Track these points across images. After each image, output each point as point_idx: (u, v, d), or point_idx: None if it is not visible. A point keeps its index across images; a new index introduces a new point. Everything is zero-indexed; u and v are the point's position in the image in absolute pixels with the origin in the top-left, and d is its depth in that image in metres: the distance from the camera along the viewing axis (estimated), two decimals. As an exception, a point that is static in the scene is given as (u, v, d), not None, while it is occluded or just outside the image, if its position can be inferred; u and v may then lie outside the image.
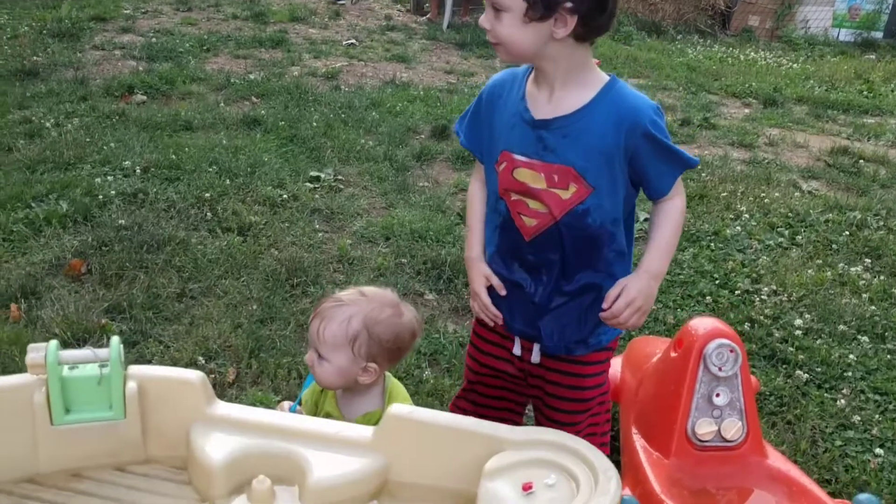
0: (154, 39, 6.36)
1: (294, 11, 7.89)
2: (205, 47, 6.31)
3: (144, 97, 5.01)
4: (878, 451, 2.34)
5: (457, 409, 1.95)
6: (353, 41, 7.20)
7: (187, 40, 6.41)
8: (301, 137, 4.48)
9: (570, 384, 1.77)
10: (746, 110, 6.21)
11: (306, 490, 1.15)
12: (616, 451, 2.05)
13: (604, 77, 1.60)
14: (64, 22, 6.49)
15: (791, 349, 2.80)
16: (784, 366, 2.72)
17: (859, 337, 2.93)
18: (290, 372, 2.45)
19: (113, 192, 3.54)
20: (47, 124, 4.32)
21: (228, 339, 2.59)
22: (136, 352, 2.49)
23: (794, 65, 8.02)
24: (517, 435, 1.20)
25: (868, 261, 3.57)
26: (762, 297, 3.16)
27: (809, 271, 3.40)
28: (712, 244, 3.61)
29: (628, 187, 1.62)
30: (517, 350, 1.78)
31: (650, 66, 7.20)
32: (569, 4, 1.45)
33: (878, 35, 9.72)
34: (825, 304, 3.12)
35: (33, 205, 3.39)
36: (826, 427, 2.42)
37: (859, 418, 2.47)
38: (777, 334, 2.89)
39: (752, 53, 8.45)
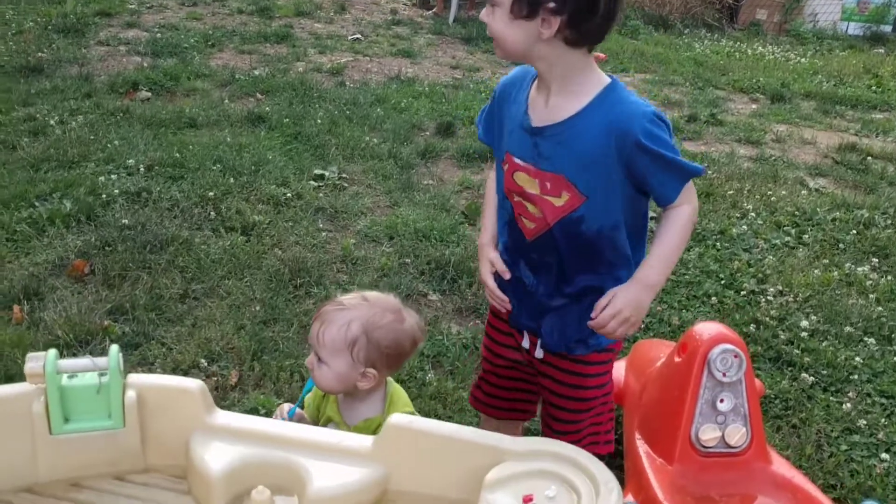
0: (159, 35, 6.35)
1: (299, 6, 7.86)
2: (210, 42, 6.29)
3: (149, 94, 5.01)
4: (884, 455, 2.32)
5: (474, 398, 2.00)
6: (359, 36, 7.18)
7: (192, 35, 6.39)
8: (305, 135, 4.46)
9: (570, 382, 1.77)
10: (754, 106, 6.17)
11: (306, 500, 1.14)
12: (616, 455, 2.04)
13: (603, 82, 1.56)
14: (69, 17, 6.47)
15: (797, 351, 2.78)
16: (790, 368, 2.71)
17: (866, 338, 2.91)
18: (292, 375, 2.44)
19: (116, 191, 3.54)
20: (51, 122, 4.32)
21: (231, 340, 2.59)
22: (139, 354, 2.50)
23: (803, 59, 7.96)
24: (518, 445, 1.19)
25: (875, 260, 3.54)
26: (768, 297, 3.14)
27: (816, 271, 3.38)
28: (718, 243, 3.59)
29: (631, 193, 1.59)
30: (525, 343, 1.80)
31: (657, 61, 7.16)
32: (551, 5, 1.43)
33: (888, 28, 9.65)
34: (831, 304, 3.10)
35: (37, 204, 3.39)
36: (831, 431, 2.41)
37: (865, 422, 2.45)
38: (783, 336, 2.87)
39: (760, 48, 8.39)
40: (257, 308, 2.80)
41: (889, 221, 3.94)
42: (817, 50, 8.62)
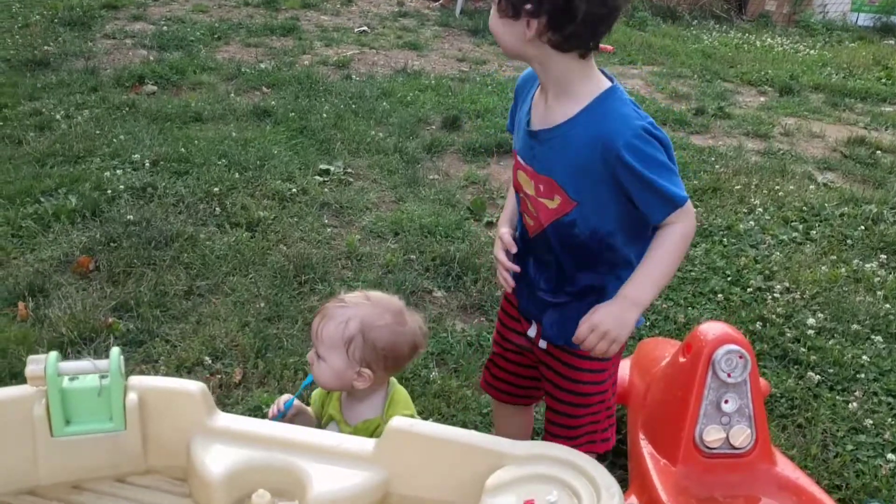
0: (165, 28, 6.34)
1: (306, -3, 7.85)
2: (216, 35, 6.28)
3: (155, 87, 5.00)
4: (891, 456, 2.30)
5: (484, 381, 2.01)
6: (365, 28, 7.15)
7: (198, 28, 6.38)
8: (311, 129, 4.45)
9: (569, 376, 1.77)
10: (762, 99, 6.12)
11: (307, 504, 1.14)
12: (620, 455, 2.04)
13: (600, 88, 1.52)
14: (75, 10, 6.48)
15: (803, 349, 2.76)
16: (796, 367, 2.69)
17: (873, 336, 2.88)
18: (296, 372, 2.44)
19: (122, 187, 3.54)
20: (57, 116, 4.33)
21: (235, 338, 2.58)
22: (143, 352, 2.50)
23: (812, 51, 7.89)
24: (519, 449, 1.19)
25: (883, 256, 3.51)
26: (775, 294, 3.11)
27: (823, 268, 3.35)
28: (725, 239, 3.57)
29: (627, 202, 1.53)
30: (532, 332, 1.80)
31: (665, 53, 7.10)
32: (528, 6, 1.42)
33: (898, 20, 9.55)
34: (839, 302, 3.08)
35: (42, 200, 3.39)
36: (837, 431, 2.39)
37: (871, 422, 2.43)
38: (789, 334, 2.85)
39: (769, 39, 8.32)
40: (262, 305, 2.80)
41: (898, 217, 3.91)
42: (827, 41, 8.54)
